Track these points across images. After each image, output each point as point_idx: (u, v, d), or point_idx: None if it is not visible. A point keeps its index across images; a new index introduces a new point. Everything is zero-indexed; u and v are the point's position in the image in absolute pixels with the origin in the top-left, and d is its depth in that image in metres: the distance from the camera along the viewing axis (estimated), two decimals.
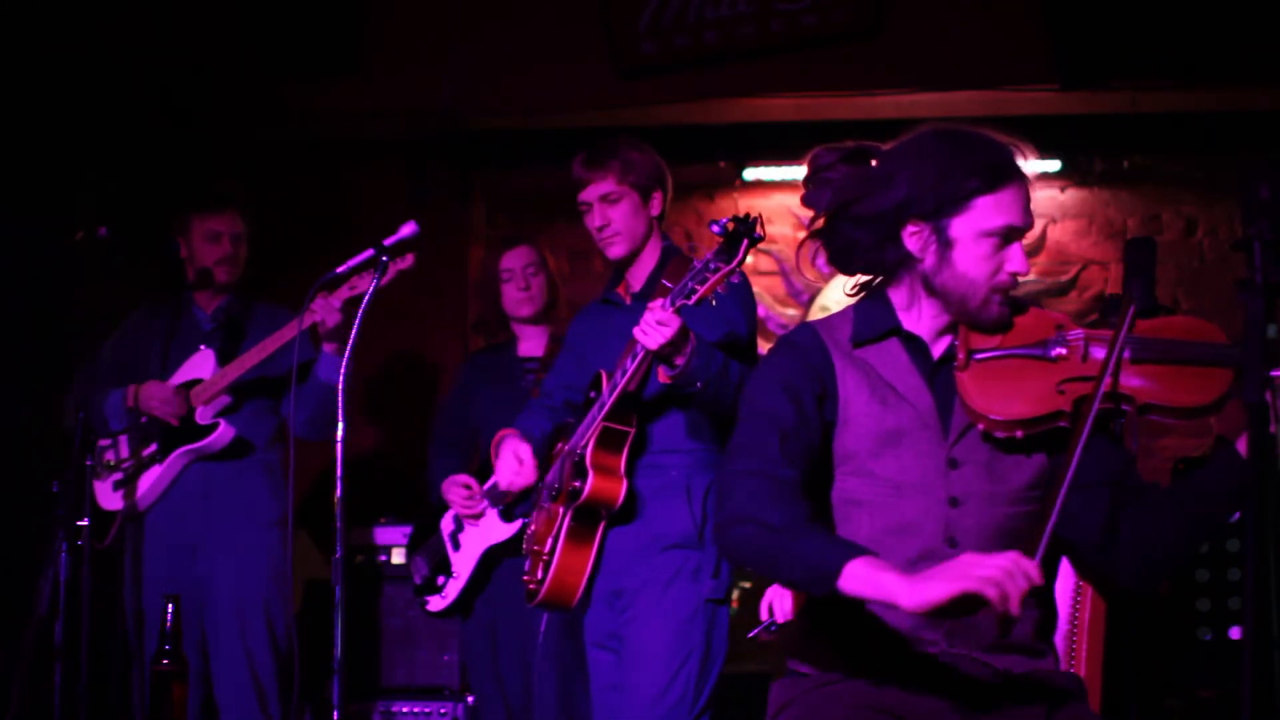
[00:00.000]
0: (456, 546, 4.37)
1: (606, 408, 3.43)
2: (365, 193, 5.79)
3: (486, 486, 4.28)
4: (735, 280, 3.13)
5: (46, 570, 4.01)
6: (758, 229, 3.06)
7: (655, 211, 3.66)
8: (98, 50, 5.36)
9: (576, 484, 3.45)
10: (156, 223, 4.53)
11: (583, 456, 3.45)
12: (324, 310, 4.07)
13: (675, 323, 3.18)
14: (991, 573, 2.08)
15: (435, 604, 4.41)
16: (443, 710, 4.85)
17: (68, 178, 5.08)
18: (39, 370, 4.90)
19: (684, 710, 3.42)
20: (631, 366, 3.36)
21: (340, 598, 3.44)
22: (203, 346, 4.37)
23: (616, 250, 3.64)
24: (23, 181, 5.02)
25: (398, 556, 5.04)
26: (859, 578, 2.16)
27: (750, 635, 3.31)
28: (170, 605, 3.33)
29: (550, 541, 3.52)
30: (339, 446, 3.55)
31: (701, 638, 3.47)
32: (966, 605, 2.10)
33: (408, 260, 3.95)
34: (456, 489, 4.26)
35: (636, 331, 3.23)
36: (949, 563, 2.14)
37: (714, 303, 3.17)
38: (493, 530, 4.29)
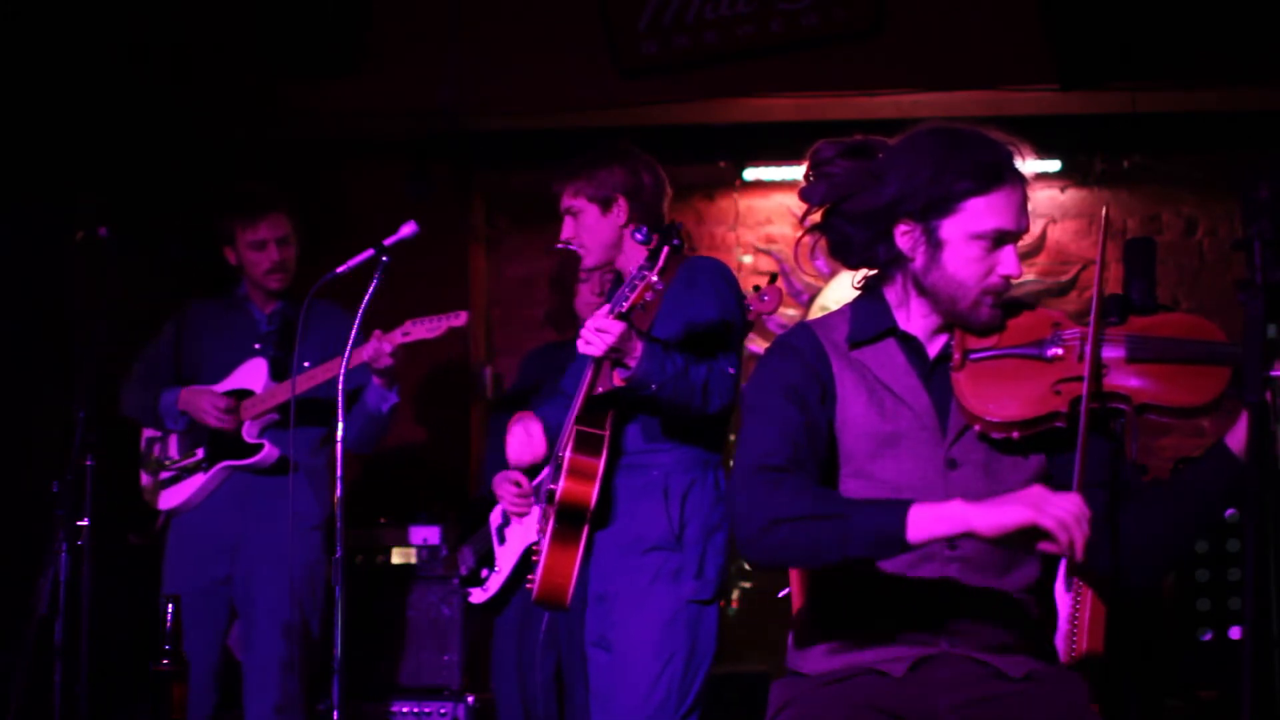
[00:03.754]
0: (502, 540, 4.38)
1: (574, 411, 3.48)
2: (365, 193, 5.80)
3: (537, 481, 4.30)
4: (660, 287, 3.21)
5: (46, 570, 4.01)
6: (675, 237, 3.17)
7: (620, 220, 3.67)
8: (98, 50, 5.35)
9: (553, 486, 3.51)
10: (156, 223, 4.53)
11: (562, 459, 3.50)
12: (374, 352, 4.14)
13: (616, 328, 3.25)
14: (1062, 514, 2.12)
15: (477, 596, 4.42)
16: (443, 710, 4.84)
17: (68, 178, 5.07)
18: (39, 370, 4.89)
19: (669, 712, 3.42)
20: (589, 373, 3.42)
21: (340, 597, 3.44)
22: (257, 348, 4.40)
23: (586, 261, 3.73)
24: (23, 182, 5.02)
25: (398, 556, 5.04)
26: (925, 522, 2.19)
27: (781, 594, 3.33)
28: (170, 606, 3.34)
29: (542, 542, 3.56)
30: (339, 447, 3.56)
31: (684, 639, 3.46)
32: (1032, 537, 2.14)
33: (461, 319, 4.13)
34: (507, 485, 4.27)
35: (579, 342, 3.30)
36: (1021, 492, 2.18)
37: (643, 309, 3.26)
38: (537, 527, 4.30)
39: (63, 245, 4.37)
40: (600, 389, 3.43)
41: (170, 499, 4.38)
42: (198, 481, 4.35)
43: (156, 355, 4.47)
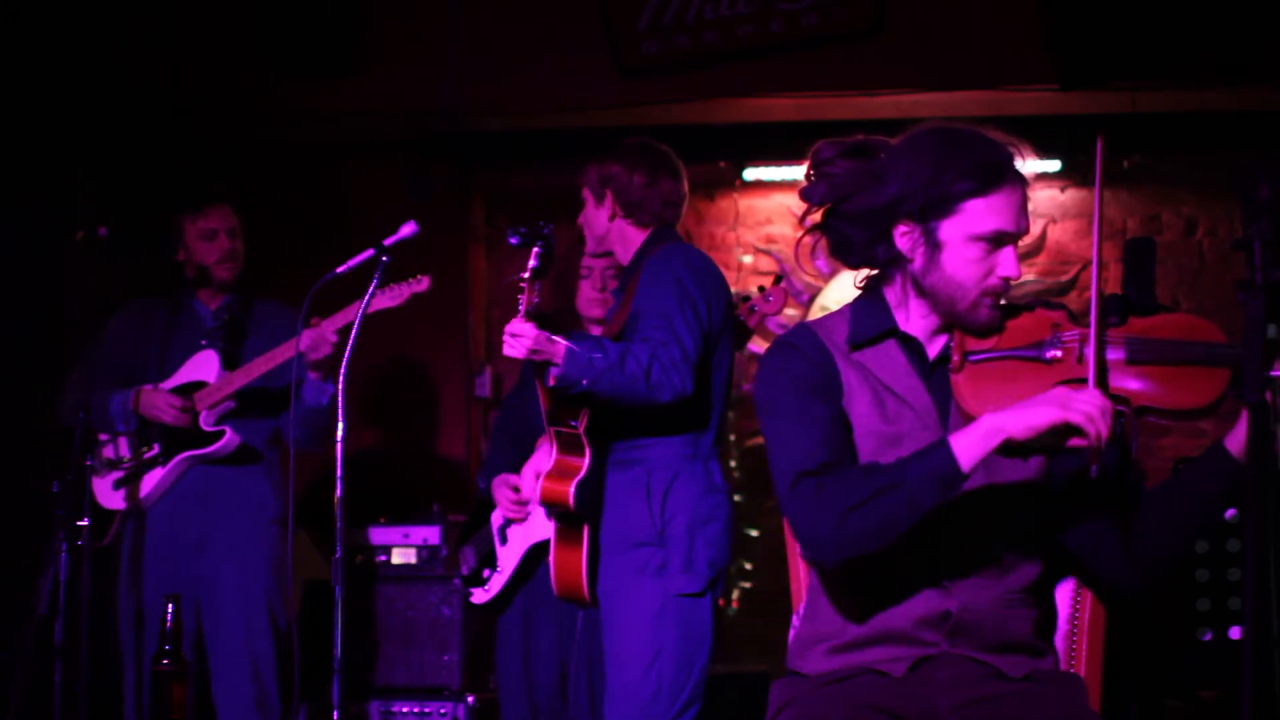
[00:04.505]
0: (504, 540, 4.38)
1: (544, 414, 3.53)
2: (365, 193, 5.80)
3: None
4: (538, 285, 3.38)
5: (46, 570, 4.02)
6: (540, 238, 3.38)
7: (608, 212, 3.73)
8: (98, 50, 5.36)
9: None
10: (156, 223, 4.53)
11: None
12: (314, 339, 4.08)
13: (528, 331, 3.33)
14: (1087, 408, 2.19)
15: (479, 596, 4.41)
16: (443, 710, 4.85)
17: (67, 178, 5.08)
18: (39, 371, 4.89)
19: (661, 707, 3.42)
20: (535, 380, 3.50)
21: (340, 598, 3.44)
22: (205, 344, 4.38)
23: (587, 247, 3.86)
24: (23, 182, 5.02)
25: (398, 556, 5.04)
26: (968, 447, 2.24)
27: None
28: (170, 605, 3.34)
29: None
30: (339, 446, 3.56)
31: (674, 634, 3.46)
32: (1061, 435, 2.21)
33: (423, 284, 4.07)
34: (504, 490, 4.27)
35: (504, 346, 3.37)
36: (1047, 393, 2.24)
37: (532, 309, 3.37)
38: (540, 527, 4.29)
39: (63, 245, 4.38)
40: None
41: (129, 498, 4.33)
42: (155, 476, 4.31)
43: (98, 357, 4.41)
